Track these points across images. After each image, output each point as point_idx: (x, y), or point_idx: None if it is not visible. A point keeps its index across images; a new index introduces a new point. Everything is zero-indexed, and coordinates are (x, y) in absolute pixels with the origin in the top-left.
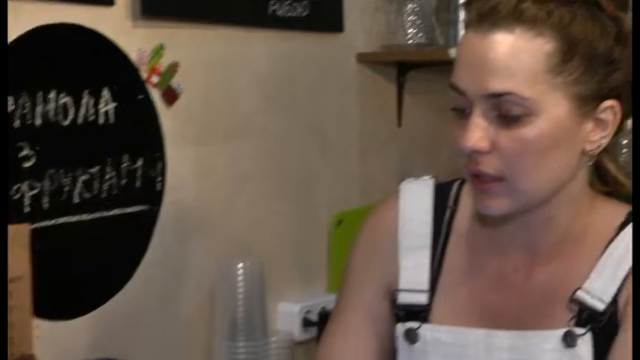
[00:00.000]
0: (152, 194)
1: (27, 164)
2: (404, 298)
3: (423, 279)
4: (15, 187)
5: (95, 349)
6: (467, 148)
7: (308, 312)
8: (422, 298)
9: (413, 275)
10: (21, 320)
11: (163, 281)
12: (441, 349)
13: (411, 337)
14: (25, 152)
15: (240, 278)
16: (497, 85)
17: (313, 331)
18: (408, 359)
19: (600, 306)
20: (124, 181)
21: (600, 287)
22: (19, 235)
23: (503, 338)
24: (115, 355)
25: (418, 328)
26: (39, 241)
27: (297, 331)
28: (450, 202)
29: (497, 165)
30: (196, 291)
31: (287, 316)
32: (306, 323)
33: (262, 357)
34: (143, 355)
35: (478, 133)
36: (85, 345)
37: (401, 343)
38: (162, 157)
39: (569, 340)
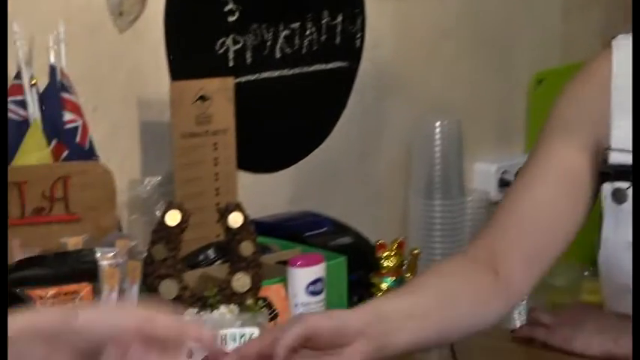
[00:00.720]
0: (351, 50)
1: (231, 18)
2: (615, 158)
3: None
4: (220, 41)
5: (295, 202)
6: None
7: (505, 172)
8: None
9: (626, 134)
10: (226, 172)
11: (361, 138)
12: None
13: (619, 196)
14: (229, 7)
15: (437, 136)
16: None
17: None
18: (614, 220)
19: None
20: (323, 37)
21: None
22: (224, 88)
23: None
24: (313, 209)
25: (627, 188)
26: (242, 95)
27: (493, 191)
28: None
29: None
30: (394, 148)
31: (483, 175)
32: (503, 183)
33: (458, 215)
34: (340, 209)
35: None
36: (285, 198)
37: (608, 204)
38: (361, 13)
39: None
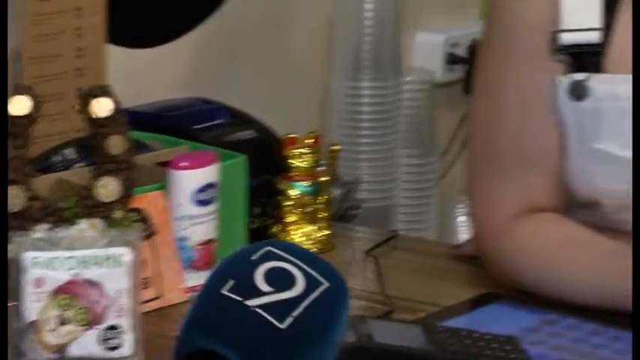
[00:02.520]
0: None
1: None
2: (568, 38)
3: (593, 12)
4: None
5: (181, 86)
6: None
7: (454, 45)
8: (592, 37)
9: (580, 8)
10: (92, 46)
11: (269, 2)
12: (619, 106)
13: (578, 91)
14: None
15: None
16: None
17: (460, 71)
18: (576, 122)
19: None
20: None
21: None
22: None
23: None
24: (206, 95)
25: (587, 79)
26: None
27: (439, 70)
28: None
29: None
30: (311, 15)
31: (427, 49)
32: (452, 59)
33: (393, 100)
34: (240, 95)
35: None
36: (168, 80)
37: (563, 102)
38: None
39: None
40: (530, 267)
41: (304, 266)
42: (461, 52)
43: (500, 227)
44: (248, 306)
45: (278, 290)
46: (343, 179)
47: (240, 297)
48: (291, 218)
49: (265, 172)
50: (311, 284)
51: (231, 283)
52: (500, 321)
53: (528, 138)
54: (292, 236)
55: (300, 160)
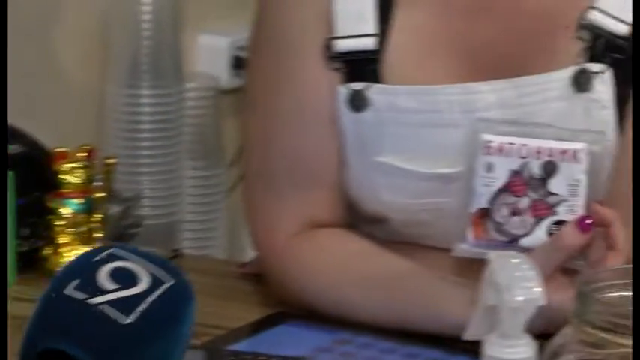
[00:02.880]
0: None
1: None
2: (343, 45)
3: (367, 18)
4: None
5: None
6: None
7: (240, 48)
8: (368, 43)
9: (354, 14)
10: None
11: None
12: (401, 118)
13: (357, 102)
14: None
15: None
16: None
17: None
18: (355, 133)
19: (622, 28)
20: None
21: (618, 2)
22: None
23: (488, 93)
24: None
25: (366, 88)
26: None
27: (224, 75)
28: None
29: None
30: (83, 16)
31: (210, 53)
32: (237, 64)
33: (175, 109)
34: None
35: None
36: None
37: (343, 113)
38: None
39: (581, 81)
40: (315, 286)
41: (149, 264)
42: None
43: (281, 246)
44: (92, 304)
45: (123, 287)
46: (122, 195)
47: (84, 295)
48: (63, 239)
49: (35, 189)
50: (156, 281)
51: (74, 283)
52: (290, 342)
53: (305, 151)
54: (65, 258)
55: (73, 175)
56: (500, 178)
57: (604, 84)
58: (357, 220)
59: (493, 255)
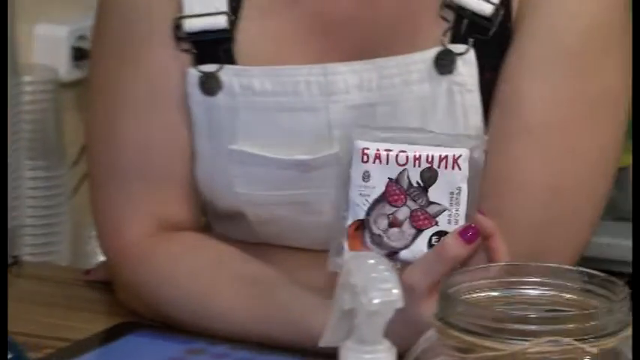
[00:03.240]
0: None
1: None
2: (192, 25)
3: None
4: None
5: None
6: None
7: (81, 38)
8: (219, 21)
9: None
10: None
11: None
12: (256, 101)
13: (209, 85)
14: None
15: None
16: None
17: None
18: (205, 120)
19: (486, 8)
20: None
21: None
22: None
23: (348, 73)
24: None
25: (218, 70)
26: None
27: (63, 67)
28: None
29: None
30: None
31: (48, 43)
32: (79, 55)
33: (11, 104)
34: None
35: None
36: None
37: (194, 98)
38: None
39: (444, 62)
40: (173, 299)
41: None
42: (89, 45)
43: (131, 249)
44: None
45: None
46: None
47: None
48: None
49: None
50: None
51: None
52: (140, 353)
53: (154, 142)
54: None
55: None
56: (377, 187)
57: (468, 66)
58: (212, 218)
59: (348, 255)
